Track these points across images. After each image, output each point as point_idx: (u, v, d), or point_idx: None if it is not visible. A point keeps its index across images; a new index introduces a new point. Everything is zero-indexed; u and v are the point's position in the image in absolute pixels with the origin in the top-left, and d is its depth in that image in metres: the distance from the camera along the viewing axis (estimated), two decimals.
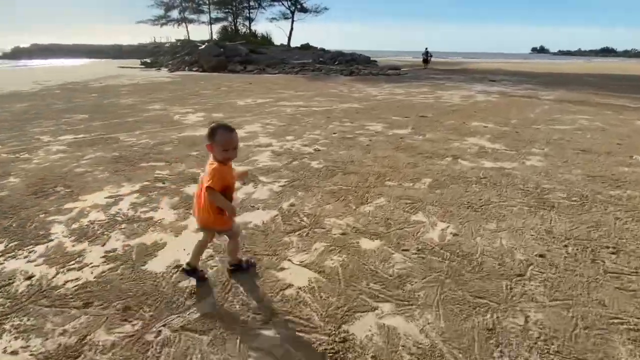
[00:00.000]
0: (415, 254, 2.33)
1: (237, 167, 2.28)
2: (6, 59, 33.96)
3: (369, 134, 5.69)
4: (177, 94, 10.62)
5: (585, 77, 20.19)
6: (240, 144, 2.29)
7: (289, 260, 2.28)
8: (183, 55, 25.46)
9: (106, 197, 3.20)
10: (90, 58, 35.41)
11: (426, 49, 28.65)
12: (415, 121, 6.68)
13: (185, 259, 2.12)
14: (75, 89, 11.64)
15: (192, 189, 3.30)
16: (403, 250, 2.38)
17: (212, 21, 39.73)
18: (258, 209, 3.00)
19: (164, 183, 3.55)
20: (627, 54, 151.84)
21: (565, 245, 2.43)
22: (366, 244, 2.47)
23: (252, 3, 38.29)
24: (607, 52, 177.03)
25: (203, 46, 23.97)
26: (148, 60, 27.04)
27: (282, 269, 2.19)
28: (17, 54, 36.71)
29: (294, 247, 2.42)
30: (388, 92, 11.76)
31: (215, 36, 37.74)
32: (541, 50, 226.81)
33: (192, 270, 2.02)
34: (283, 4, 35.11)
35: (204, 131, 1.98)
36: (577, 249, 2.38)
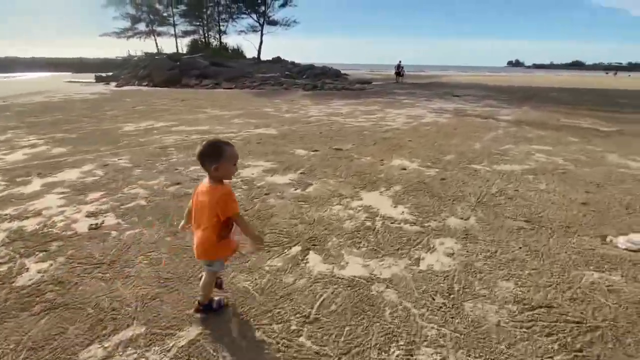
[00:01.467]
0: None
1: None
2: None
3: (233, 183, 3.78)
4: (59, 118, 8.58)
5: (552, 91, 18.91)
6: None
7: None
8: (138, 69, 23.44)
9: None
10: (51, 72, 33.08)
11: (399, 62, 27.26)
12: (319, 159, 4.81)
13: None
14: None
15: None
16: None
17: (180, 34, 37.81)
18: None
19: None
20: (595, 67, 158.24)
21: None
22: None
23: (223, 16, 36.55)
24: (577, 65, 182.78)
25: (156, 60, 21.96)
26: (103, 74, 24.86)
27: None
28: None
29: None
30: (330, 111, 9.95)
31: (184, 49, 35.80)
32: (517, 64, 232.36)
33: (208, 304, 1.77)
34: (251, 16, 33.46)
35: None
36: None
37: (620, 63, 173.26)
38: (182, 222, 1.87)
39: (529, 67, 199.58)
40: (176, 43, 35.07)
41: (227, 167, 1.57)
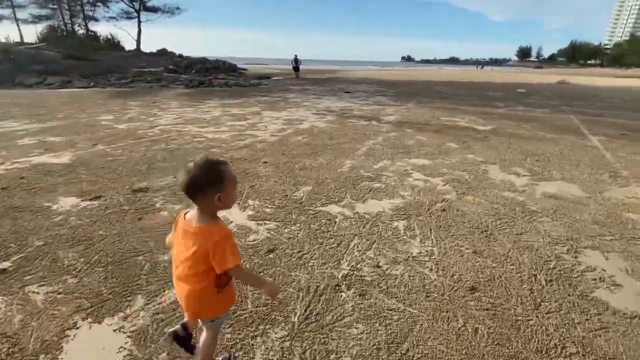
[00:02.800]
0: None
1: None
2: None
3: None
4: None
5: (435, 85, 19.78)
6: None
7: None
8: None
9: None
10: None
11: (295, 56, 25.76)
12: (88, 218, 2.79)
13: None
14: None
15: None
16: None
17: (31, 19, 29.94)
18: None
19: None
20: (467, 61, 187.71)
21: None
22: None
23: None
24: (453, 60, 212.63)
25: None
26: None
27: None
28: None
29: None
30: (193, 117, 7.76)
31: (39, 39, 28.38)
32: (408, 59, 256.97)
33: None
34: (124, 2, 28.06)
35: None
36: None
37: (484, 58, 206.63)
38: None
39: (418, 62, 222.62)
40: (19, 30, 27.39)
41: (232, 193, 1.17)
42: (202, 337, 1.35)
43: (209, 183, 1.10)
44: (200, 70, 24.35)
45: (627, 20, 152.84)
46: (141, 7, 28.03)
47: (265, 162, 4.43)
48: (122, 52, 27.59)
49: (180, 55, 28.17)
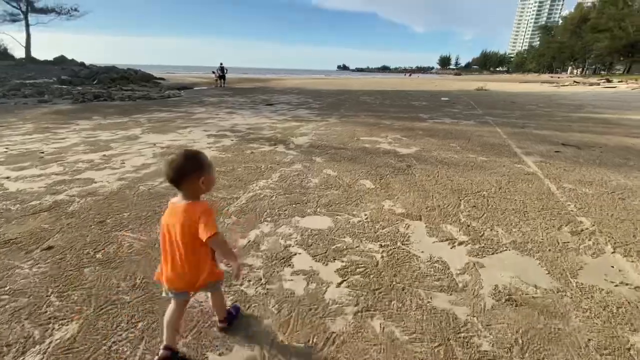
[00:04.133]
0: None
1: None
2: None
3: None
4: None
5: (363, 94, 19.06)
6: None
7: None
8: None
9: None
10: None
11: (221, 64, 23.39)
12: None
13: None
14: None
15: None
16: None
17: None
18: None
19: None
20: (396, 69, 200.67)
21: None
22: None
23: None
24: (385, 68, 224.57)
25: None
26: None
27: None
28: None
29: None
30: (16, 150, 5.37)
31: None
32: (344, 68, 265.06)
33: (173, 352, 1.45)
34: (9, 3, 22.99)
35: None
36: None
37: (412, 66, 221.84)
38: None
39: (353, 70, 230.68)
40: None
41: (212, 176, 1.41)
42: (212, 299, 1.61)
43: (193, 169, 1.32)
44: (104, 80, 20.74)
45: (525, 32, 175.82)
46: (28, 8, 23.22)
47: (46, 249, 2.48)
48: (6, 62, 22.56)
49: (82, 64, 23.96)
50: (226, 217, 3.06)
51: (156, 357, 1.45)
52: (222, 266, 2.00)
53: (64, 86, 18.37)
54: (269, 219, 3.02)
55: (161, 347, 1.47)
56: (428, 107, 12.29)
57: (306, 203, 3.39)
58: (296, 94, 18.11)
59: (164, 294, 1.49)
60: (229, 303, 1.80)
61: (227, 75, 23.56)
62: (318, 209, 3.24)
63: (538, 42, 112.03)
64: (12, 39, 22.80)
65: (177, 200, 1.38)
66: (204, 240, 1.30)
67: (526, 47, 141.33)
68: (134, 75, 23.41)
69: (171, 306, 1.49)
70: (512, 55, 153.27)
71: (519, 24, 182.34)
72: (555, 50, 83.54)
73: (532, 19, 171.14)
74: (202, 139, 6.51)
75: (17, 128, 7.38)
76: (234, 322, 1.69)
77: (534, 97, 18.15)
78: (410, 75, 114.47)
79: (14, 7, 22.77)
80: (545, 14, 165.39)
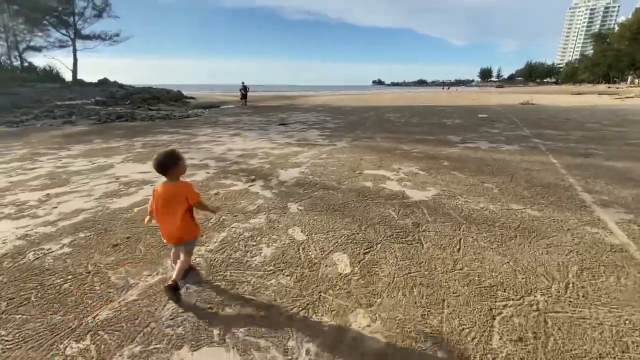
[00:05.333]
0: None
1: None
2: None
3: None
4: None
5: (389, 111, 17.46)
6: None
7: None
8: None
9: None
10: None
11: (242, 83, 23.19)
12: None
13: None
14: None
15: None
16: None
17: None
18: None
19: None
20: (434, 83, 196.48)
21: None
22: None
23: (21, 26, 26.53)
24: (421, 82, 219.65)
25: None
26: None
27: None
28: None
29: None
30: None
31: None
32: (379, 82, 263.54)
33: (175, 285, 2.07)
34: (59, 31, 24.81)
35: None
36: None
37: (450, 80, 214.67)
38: (147, 218, 2.23)
39: (388, 84, 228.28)
40: None
41: (184, 166, 2.11)
42: (181, 258, 2.17)
43: (175, 162, 2.04)
44: (136, 100, 21.21)
45: (575, 41, 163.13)
46: (76, 35, 24.84)
47: None
48: (52, 84, 24.10)
49: (121, 85, 24.98)
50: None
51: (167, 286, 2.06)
52: None
53: (97, 107, 18.90)
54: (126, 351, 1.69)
55: (169, 284, 2.06)
56: (461, 127, 10.45)
57: (221, 311, 2.01)
58: (317, 112, 16.99)
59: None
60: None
61: (261, 94, 23.25)
62: (233, 331, 1.85)
63: (591, 51, 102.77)
64: (61, 64, 24.43)
65: (164, 184, 2.07)
66: (191, 203, 2.08)
67: (577, 57, 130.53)
68: (165, 95, 23.84)
69: (173, 254, 2.31)
70: (561, 66, 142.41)
71: (568, 33, 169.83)
72: (611, 58, 76.90)
73: (583, 27, 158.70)
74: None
75: (3, 155, 6.88)
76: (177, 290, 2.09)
77: (594, 112, 15.37)
78: (448, 88, 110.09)
79: (63, 34, 24.59)
80: (599, 22, 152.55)
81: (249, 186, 4.50)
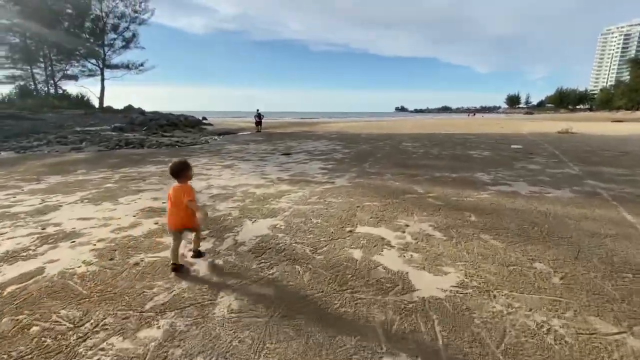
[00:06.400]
0: None
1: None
2: None
3: None
4: None
5: (407, 140, 15.98)
6: None
7: None
8: None
9: None
10: None
11: (257, 110, 22.76)
12: None
13: None
14: None
15: None
16: None
17: (2, 79, 27.99)
18: None
19: None
20: (458, 110, 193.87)
21: None
22: None
23: (57, 57, 28.08)
24: (445, 109, 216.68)
25: None
26: None
27: None
28: None
29: None
30: None
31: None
32: (402, 109, 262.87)
33: (179, 266, 2.80)
34: (89, 61, 25.95)
35: None
36: None
37: (475, 106, 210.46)
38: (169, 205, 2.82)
39: (411, 111, 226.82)
40: None
41: (191, 173, 2.83)
42: (194, 237, 3.04)
43: (185, 169, 2.75)
44: (152, 127, 21.13)
45: (610, 66, 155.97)
46: (104, 65, 25.82)
47: None
48: (80, 110, 24.87)
49: (142, 112, 25.36)
50: None
51: (171, 268, 2.78)
52: None
53: (114, 133, 18.89)
54: None
55: (171, 265, 2.78)
56: (491, 161, 8.79)
57: None
58: (330, 140, 15.82)
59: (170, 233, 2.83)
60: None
61: (284, 120, 22.77)
62: None
63: (628, 77, 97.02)
64: (90, 92, 25.52)
65: (175, 184, 2.75)
66: (184, 200, 2.66)
67: (612, 83, 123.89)
68: (183, 121, 23.77)
69: (173, 240, 2.78)
70: (594, 92, 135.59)
71: (601, 58, 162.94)
72: None
73: (617, 52, 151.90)
74: (124, 218, 4.26)
75: None
76: (200, 257, 3.03)
77: None
78: (474, 115, 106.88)
79: (92, 64, 25.68)
80: (634, 47, 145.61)
81: (188, 251, 3.18)
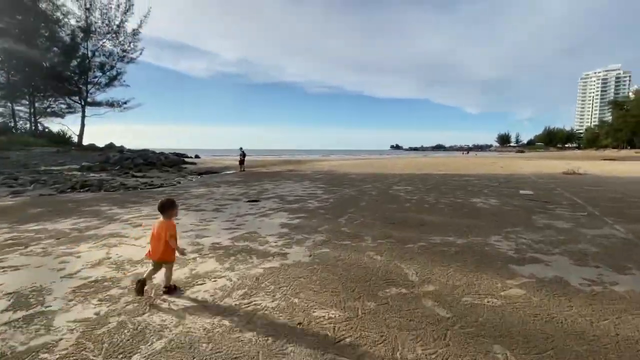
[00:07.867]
0: None
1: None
2: None
3: None
4: None
5: (398, 182, 14.21)
6: None
7: None
8: None
9: None
10: None
11: (240, 148, 21.25)
12: None
13: None
14: None
15: None
16: None
17: None
18: None
19: None
20: (451, 148, 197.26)
21: None
22: None
23: (39, 94, 27.00)
24: (439, 147, 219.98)
25: None
26: None
27: None
28: None
29: None
30: None
31: None
32: (397, 147, 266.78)
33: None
34: (70, 98, 24.86)
35: None
36: None
37: (468, 144, 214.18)
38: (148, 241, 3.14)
39: (406, 149, 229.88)
40: None
41: (176, 210, 3.17)
42: (164, 272, 3.07)
43: (170, 206, 3.07)
44: (126, 166, 19.37)
45: (592, 107, 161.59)
46: (85, 103, 24.68)
47: None
48: (52, 148, 23.22)
49: (120, 150, 23.78)
50: None
51: (136, 281, 3.06)
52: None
53: (79, 172, 17.06)
54: None
55: (136, 282, 3.02)
56: (503, 214, 6.84)
57: None
58: (312, 181, 14.00)
59: (149, 264, 3.15)
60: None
61: (274, 157, 21.24)
62: None
63: (610, 117, 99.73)
64: (68, 129, 24.12)
65: (160, 219, 3.03)
66: (165, 237, 2.94)
67: (595, 123, 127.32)
68: (163, 160, 22.09)
69: (149, 267, 3.09)
70: (580, 131, 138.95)
71: (582, 100, 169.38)
72: (633, 125, 75.43)
73: (597, 94, 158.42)
74: None
75: None
76: (172, 293, 3.05)
77: None
78: (468, 152, 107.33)
79: (74, 101, 24.59)
80: (612, 90, 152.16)
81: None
